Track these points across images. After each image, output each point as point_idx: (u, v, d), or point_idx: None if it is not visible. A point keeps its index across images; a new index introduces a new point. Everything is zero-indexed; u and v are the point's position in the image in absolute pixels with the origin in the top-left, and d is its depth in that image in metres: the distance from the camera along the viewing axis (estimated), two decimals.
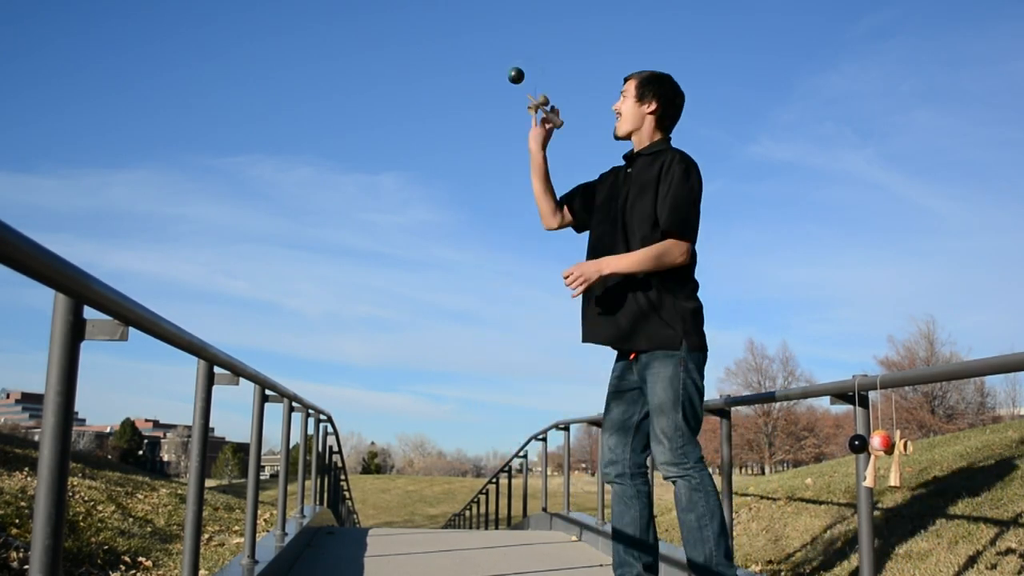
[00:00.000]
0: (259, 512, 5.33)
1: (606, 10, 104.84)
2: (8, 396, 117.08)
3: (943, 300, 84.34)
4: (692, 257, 2.80)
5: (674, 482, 2.70)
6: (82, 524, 5.46)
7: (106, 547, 5.09)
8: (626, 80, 2.96)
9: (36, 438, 16.60)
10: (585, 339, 2.89)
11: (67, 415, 1.56)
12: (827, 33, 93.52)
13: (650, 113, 2.90)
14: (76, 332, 1.59)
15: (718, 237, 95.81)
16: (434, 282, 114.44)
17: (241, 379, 2.96)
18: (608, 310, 2.80)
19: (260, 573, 3.46)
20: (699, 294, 2.87)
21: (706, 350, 2.83)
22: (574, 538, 5.77)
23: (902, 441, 2.46)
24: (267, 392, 3.87)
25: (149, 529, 6.19)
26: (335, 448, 9.51)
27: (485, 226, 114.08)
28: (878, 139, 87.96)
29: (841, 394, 2.86)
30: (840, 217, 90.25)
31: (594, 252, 2.91)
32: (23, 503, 5.35)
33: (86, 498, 6.62)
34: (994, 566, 3.40)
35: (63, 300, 1.57)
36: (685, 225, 2.73)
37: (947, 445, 6.81)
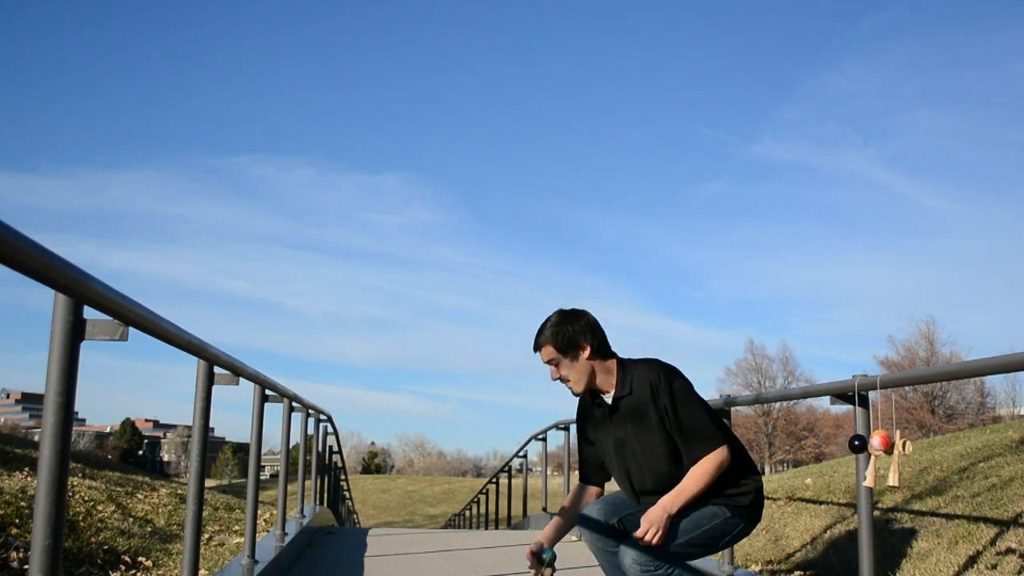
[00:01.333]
0: (259, 512, 5.33)
1: (607, 10, 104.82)
2: (8, 396, 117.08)
3: (943, 300, 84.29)
4: (734, 447, 2.75)
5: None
6: (82, 524, 5.46)
7: (106, 547, 5.10)
8: (540, 350, 2.79)
9: (36, 438, 16.61)
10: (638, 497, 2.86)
11: (67, 415, 1.56)
12: (829, 33, 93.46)
13: (588, 358, 2.75)
14: (76, 332, 1.59)
15: (719, 237, 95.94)
16: (435, 282, 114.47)
17: (241, 379, 2.96)
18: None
19: (260, 573, 3.46)
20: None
21: (754, 524, 2.80)
22: (574, 538, 5.77)
23: (902, 441, 2.46)
24: (267, 392, 3.88)
25: (149, 529, 6.19)
26: (335, 448, 9.51)
27: (486, 226, 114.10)
28: (879, 139, 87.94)
29: (841, 394, 2.86)
30: (841, 217, 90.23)
31: (639, 500, 2.83)
32: (23, 503, 5.35)
33: (86, 498, 6.63)
34: (994, 566, 3.40)
35: (63, 300, 1.58)
36: (713, 441, 2.67)
37: (947, 445, 6.81)
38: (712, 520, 2.68)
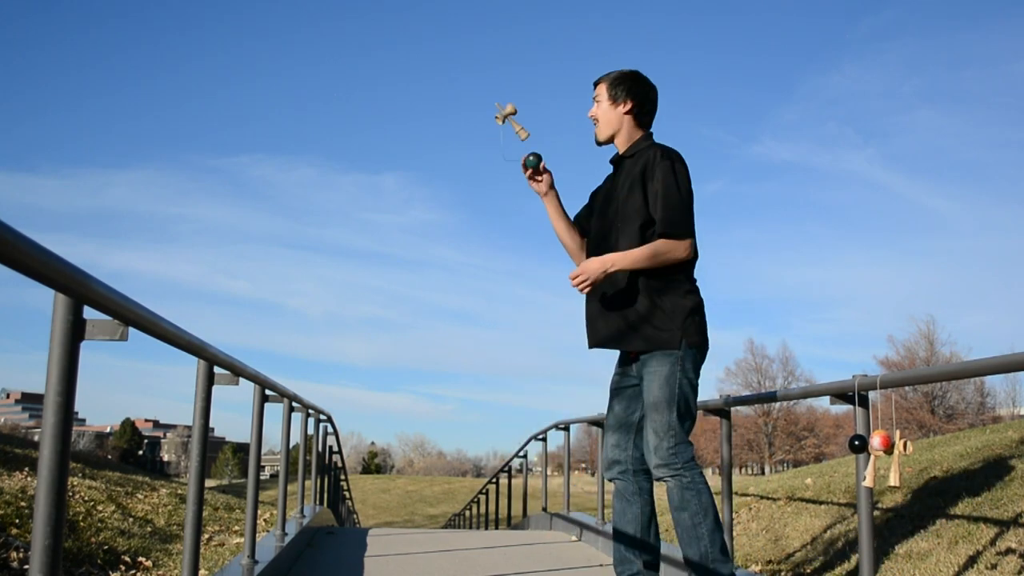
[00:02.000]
0: (259, 512, 5.34)
1: (607, 10, 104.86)
2: (8, 396, 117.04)
3: (943, 300, 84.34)
4: (694, 252, 2.78)
5: (666, 482, 2.69)
6: (82, 524, 5.46)
7: (106, 547, 5.10)
8: (596, 85, 2.93)
9: (36, 438, 16.60)
10: (591, 345, 2.89)
11: (67, 415, 1.56)
12: (829, 33, 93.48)
13: (626, 113, 2.88)
14: (76, 332, 1.59)
15: (719, 237, 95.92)
16: (435, 282, 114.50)
17: (241, 379, 2.96)
18: (610, 313, 2.80)
19: (260, 573, 3.46)
20: (701, 293, 2.85)
21: (706, 347, 2.82)
22: (574, 538, 5.77)
23: (902, 441, 2.46)
24: (267, 392, 3.87)
25: (149, 529, 6.19)
26: (335, 448, 9.51)
27: (486, 226, 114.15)
28: (880, 139, 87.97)
29: (841, 394, 2.86)
30: (841, 217, 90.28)
31: (592, 253, 2.91)
32: (23, 503, 5.35)
33: (86, 498, 6.63)
34: (994, 566, 3.40)
35: (63, 300, 1.57)
36: (682, 223, 2.71)
37: (947, 445, 6.81)
38: (672, 377, 2.69)
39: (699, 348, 2.78)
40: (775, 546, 5.07)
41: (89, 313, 1.62)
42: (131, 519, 6.34)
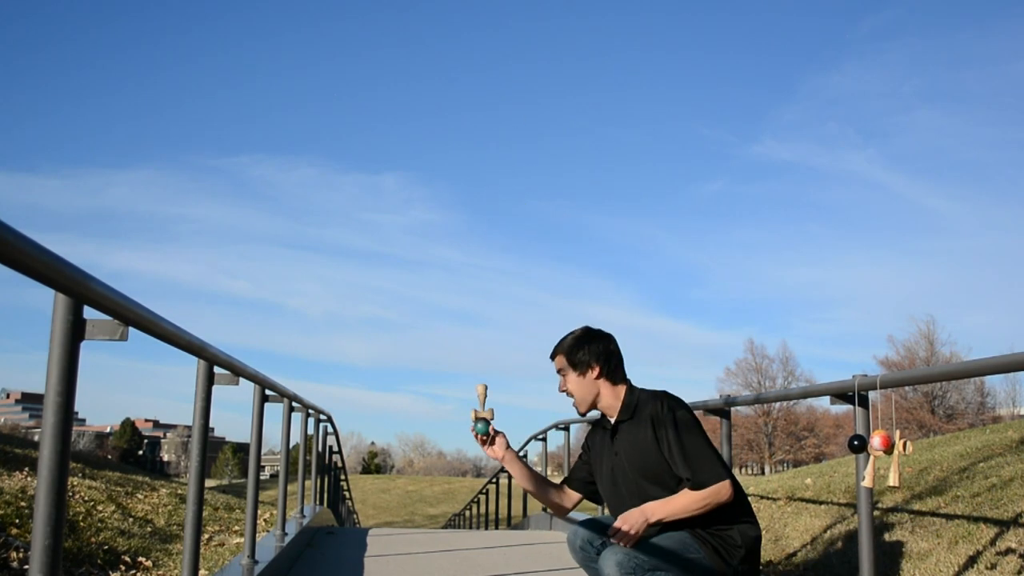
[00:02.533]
0: (259, 512, 5.34)
1: (608, 10, 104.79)
2: (8, 396, 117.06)
3: (943, 300, 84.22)
4: (736, 491, 2.64)
5: None
6: (82, 524, 5.46)
7: (106, 547, 5.10)
8: (553, 358, 2.83)
9: (36, 438, 16.60)
10: None
11: (67, 415, 1.56)
12: (829, 33, 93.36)
13: (597, 378, 2.76)
14: (76, 332, 1.59)
15: (719, 237, 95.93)
16: (435, 282, 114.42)
17: (241, 379, 2.96)
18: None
19: (260, 573, 3.46)
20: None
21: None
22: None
23: (902, 441, 2.46)
24: (267, 392, 3.87)
25: (149, 529, 6.19)
26: (335, 448, 9.51)
27: (486, 226, 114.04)
28: (880, 139, 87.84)
29: (841, 394, 2.86)
30: (841, 217, 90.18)
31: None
32: (23, 503, 5.35)
33: (86, 498, 6.63)
34: (994, 566, 3.40)
35: (63, 300, 1.57)
36: (716, 471, 2.57)
37: (947, 445, 6.81)
38: (698, 554, 2.58)
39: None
40: (775, 546, 5.07)
41: (89, 313, 1.62)
42: (131, 519, 6.34)
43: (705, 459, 2.58)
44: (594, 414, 2.89)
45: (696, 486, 2.56)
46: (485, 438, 2.83)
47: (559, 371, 2.82)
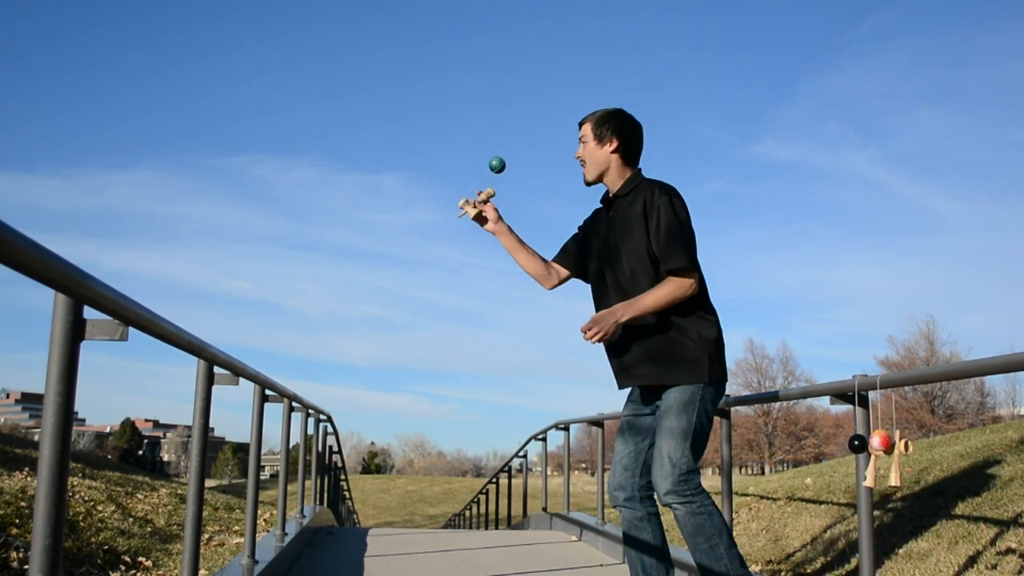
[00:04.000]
0: (259, 512, 5.33)
1: (608, 10, 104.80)
2: (8, 396, 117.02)
3: (943, 300, 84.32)
4: (702, 285, 2.77)
5: (675, 508, 2.67)
6: (82, 524, 5.46)
7: (106, 547, 5.10)
8: (580, 125, 2.93)
9: (36, 438, 16.59)
10: (621, 387, 2.89)
11: (67, 415, 1.56)
12: (829, 33, 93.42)
13: (613, 152, 2.87)
14: (76, 332, 1.59)
15: (719, 237, 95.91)
16: (435, 282, 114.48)
17: (241, 379, 2.96)
18: (635, 353, 2.78)
19: (260, 573, 3.46)
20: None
21: (725, 381, 2.82)
22: (574, 538, 5.77)
23: (902, 441, 2.46)
24: (267, 392, 3.87)
25: (149, 529, 6.19)
26: (335, 448, 9.51)
27: None
28: (880, 139, 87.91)
29: (841, 394, 2.86)
30: (841, 217, 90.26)
31: (599, 302, 2.91)
32: (23, 503, 5.35)
33: (86, 498, 6.63)
34: (994, 566, 3.40)
35: (63, 300, 1.57)
36: (685, 259, 2.70)
37: (947, 445, 6.81)
38: (691, 407, 2.69)
39: (720, 382, 2.78)
40: (775, 546, 5.07)
41: (89, 313, 1.62)
42: (131, 519, 6.34)
43: (682, 244, 2.70)
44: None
45: (666, 264, 2.69)
46: (478, 208, 2.97)
47: (581, 138, 2.92)
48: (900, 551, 3.99)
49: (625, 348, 2.81)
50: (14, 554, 4.32)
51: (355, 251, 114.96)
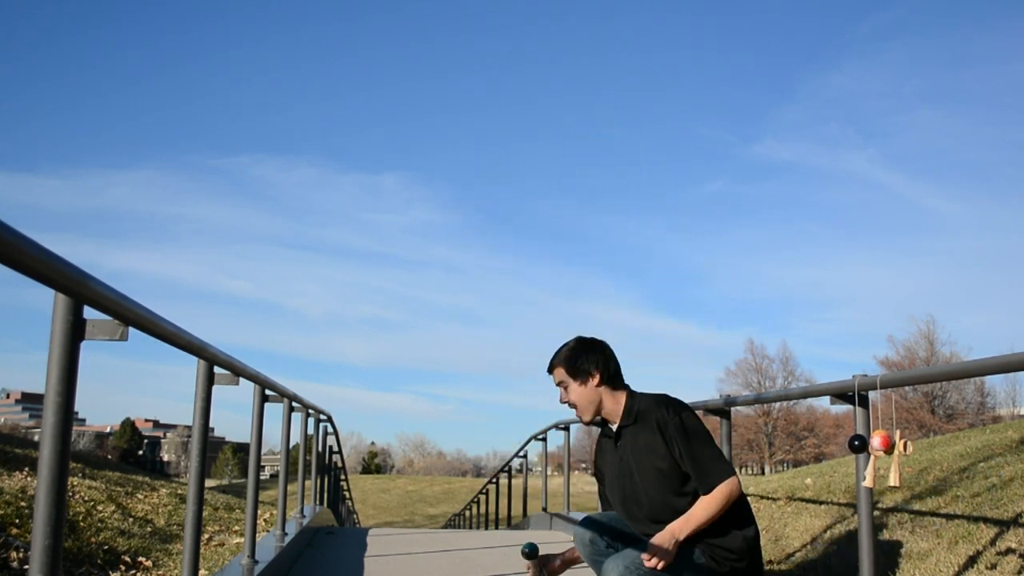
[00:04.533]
0: (259, 512, 5.34)
1: (608, 10, 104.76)
2: (8, 396, 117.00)
3: (943, 300, 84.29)
4: (740, 483, 2.74)
5: None
6: (82, 524, 5.46)
7: (106, 547, 5.10)
8: (551, 371, 2.87)
9: (36, 438, 16.60)
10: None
11: (67, 415, 1.56)
12: (830, 33, 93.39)
13: (598, 385, 2.80)
14: (76, 332, 1.59)
15: (719, 237, 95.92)
16: (435, 282, 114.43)
17: (241, 379, 2.96)
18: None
19: (260, 573, 3.46)
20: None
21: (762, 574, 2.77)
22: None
23: (902, 441, 2.45)
24: (267, 392, 3.87)
25: (149, 529, 6.19)
26: (335, 448, 9.51)
27: (486, 226, 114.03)
28: (880, 139, 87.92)
29: (841, 394, 2.86)
30: (841, 217, 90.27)
31: (632, 523, 2.85)
32: (23, 503, 5.35)
33: (86, 498, 6.63)
34: (994, 566, 3.40)
35: (63, 300, 1.57)
36: (726, 467, 2.68)
37: (947, 445, 6.81)
38: (699, 560, 2.64)
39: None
40: (775, 546, 5.07)
41: (89, 313, 1.62)
42: (131, 519, 6.34)
43: (714, 463, 2.65)
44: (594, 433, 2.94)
45: (708, 490, 2.63)
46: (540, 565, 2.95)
47: (559, 383, 2.85)
48: (900, 551, 3.99)
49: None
50: (14, 554, 4.32)
51: (355, 251, 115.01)
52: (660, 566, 2.56)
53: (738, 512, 2.71)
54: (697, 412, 2.83)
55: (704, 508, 2.63)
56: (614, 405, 2.80)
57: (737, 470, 2.91)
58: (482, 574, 4.28)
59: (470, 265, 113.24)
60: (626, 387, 2.84)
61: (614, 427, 2.82)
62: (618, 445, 2.82)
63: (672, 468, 2.67)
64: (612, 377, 2.81)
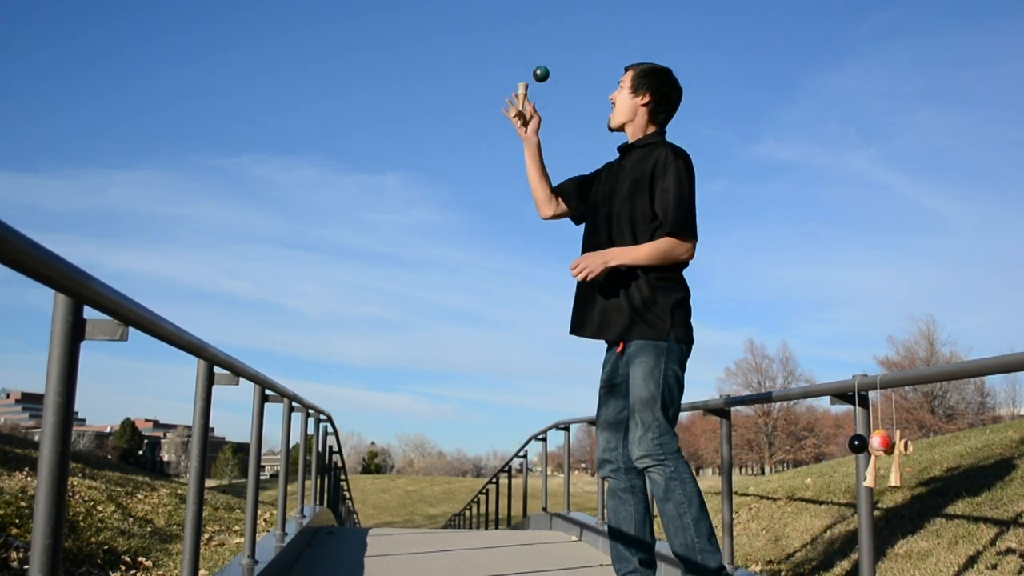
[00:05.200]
0: (259, 512, 5.34)
1: (608, 10, 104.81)
2: (8, 396, 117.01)
3: (943, 300, 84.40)
4: (693, 254, 2.80)
5: (649, 472, 2.68)
6: (82, 524, 5.46)
7: (106, 547, 5.10)
8: (626, 70, 2.95)
9: (36, 438, 16.60)
10: (573, 331, 2.89)
11: (67, 415, 1.56)
12: (831, 33, 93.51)
13: (643, 105, 2.89)
14: (76, 332, 1.59)
15: (719, 237, 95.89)
16: (435, 282, 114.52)
17: (241, 379, 2.95)
18: (599, 302, 2.81)
19: (260, 573, 3.46)
20: (698, 292, 2.87)
21: (691, 343, 2.82)
22: (574, 538, 5.77)
23: (902, 441, 2.46)
24: (267, 392, 3.87)
25: (149, 529, 6.19)
26: (335, 448, 9.51)
27: (487, 227, 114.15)
28: (881, 139, 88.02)
29: (841, 394, 2.85)
30: (841, 217, 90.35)
31: (589, 246, 2.92)
32: (23, 503, 5.35)
33: (86, 498, 6.63)
34: (994, 566, 3.40)
35: (63, 300, 1.57)
36: (689, 223, 2.73)
37: (947, 445, 6.81)
38: (657, 369, 2.69)
39: (685, 343, 2.78)
40: (775, 546, 5.07)
41: (89, 313, 1.62)
42: (131, 519, 6.34)
43: (689, 210, 2.74)
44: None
45: (672, 227, 2.71)
46: (522, 115, 2.99)
47: (620, 82, 2.95)
48: (900, 551, 3.99)
49: (589, 294, 2.84)
50: (14, 554, 4.32)
51: (355, 251, 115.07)
52: (580, 276, 2.73)
53: (675, 274, 2.80)
54: (697, 412, 2.84)
55: (649, 248, 2.72)
56: (641, 130, 2.91)
57: (736, 471, 2.89)
58: (482, 574, 4.28)
59: (470, 265, 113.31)
60: (664, 131, 2.93)
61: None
62: (620, 165, 2.93)
63: (647, 192, 2.77)
64: (658, 110, 2.90)
